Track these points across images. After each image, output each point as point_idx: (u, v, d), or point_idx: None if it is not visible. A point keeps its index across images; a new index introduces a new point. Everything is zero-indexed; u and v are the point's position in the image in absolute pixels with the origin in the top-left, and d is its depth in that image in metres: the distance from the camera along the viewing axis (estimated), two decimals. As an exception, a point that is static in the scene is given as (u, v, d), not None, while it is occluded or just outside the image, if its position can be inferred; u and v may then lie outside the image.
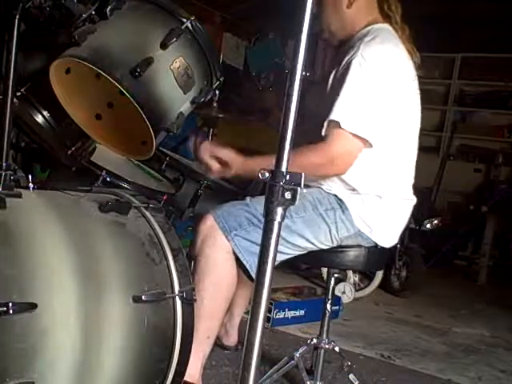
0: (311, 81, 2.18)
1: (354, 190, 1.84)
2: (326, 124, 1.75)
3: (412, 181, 1.95)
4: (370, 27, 1.87)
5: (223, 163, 1.88)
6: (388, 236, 1.90)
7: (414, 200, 1.94)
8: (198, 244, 1.80)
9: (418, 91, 1.91)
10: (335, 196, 1.85)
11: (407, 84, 1.85)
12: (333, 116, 1.73)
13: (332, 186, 1.85)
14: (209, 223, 1.78)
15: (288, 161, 1.06)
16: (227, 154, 1.87)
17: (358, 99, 1.73)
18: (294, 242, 1.80)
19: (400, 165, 1.90)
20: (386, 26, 1.89)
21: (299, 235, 1.80)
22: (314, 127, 1.83)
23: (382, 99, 1.77)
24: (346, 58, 1.78)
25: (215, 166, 1.89)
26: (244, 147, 2.11)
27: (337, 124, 1.73)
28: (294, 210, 1.77)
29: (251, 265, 1.74)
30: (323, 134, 1.76)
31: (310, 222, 1.81)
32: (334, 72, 1.84)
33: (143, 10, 1.50)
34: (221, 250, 1.76)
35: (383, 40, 1.81)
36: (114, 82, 1.39)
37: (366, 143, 1.76)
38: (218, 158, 1.88)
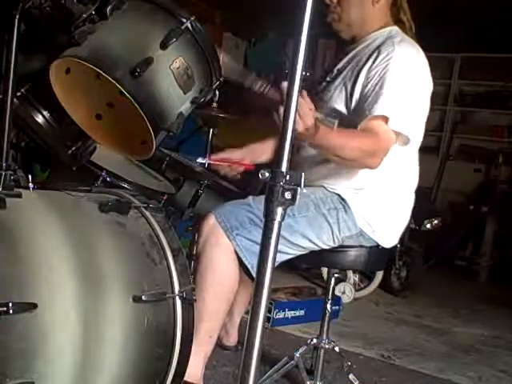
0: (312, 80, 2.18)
1: (358, 188, 1.84)
2: (366, 119, 1.74)
3: (416, 181, 1.95)
4: (389, 28, 1.90)
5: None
6: (390, 236, 1.91)
7: (413, 199, 1.95)
8: (199, 243, 1.80)
9: None
10: (338, 195, 1.85)
11: (429, 88, 1.88)
12: (379, 111, 1.72)
13: (336, 184, 1.85)
14: (211, 223, 1.78)
15: (288, 161, 1.06)
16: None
17: (401, 98, 1.75)
18: (296, 242, 1.80)
19: (407, 164, 1.91)
20: (399, 29, 1.92)
21: (302, 235, 1.80)
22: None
23: (417, 99, 1.81)
24: (381, 57, 1.79)
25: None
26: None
27: (384, 119, 1.72)
28: (297, 209, 1.77)
29: (253, 265, 1.74)
30: (362, 126, 1.75)
31: (313, 221, 1.81)
32: (359, 69, 1.84)
33: (143, 10, 1.50)
34: (223, 249, 1.76)
35: (412, 43, 1.86)
36: (114, 81, 1.39)
37: (403, 141, 1.78)
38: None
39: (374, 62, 1.80)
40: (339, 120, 1.87)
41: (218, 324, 1.83)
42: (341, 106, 1.86)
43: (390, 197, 1.87)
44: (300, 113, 1.50)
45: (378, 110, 1.73)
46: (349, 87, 1.86)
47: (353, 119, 1.80)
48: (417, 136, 1.83)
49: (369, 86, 1.79)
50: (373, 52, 1.83)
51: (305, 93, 1.56)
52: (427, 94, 1.87)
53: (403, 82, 1.77)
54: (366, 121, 1.75)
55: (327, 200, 1.84)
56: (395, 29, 1.90)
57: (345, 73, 1.91)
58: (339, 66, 1.98)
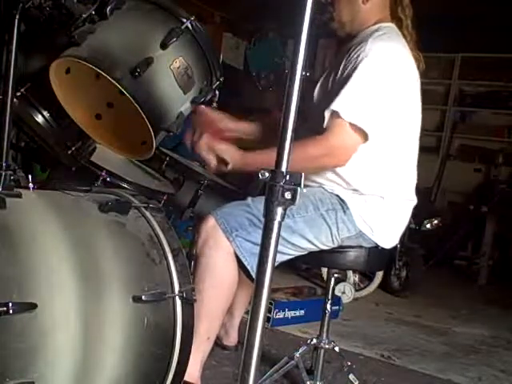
0: (310, 79, 2.18)
1: (356, 190, 1.84)
2: (327, 115, 1.75)
3: (415, 181, 1.95)
4: (378, 25, 1.88)
5: (221, 158, 1.87)
6: (389, 237, 1.90)
7: (414, 200, 1.95)
8: (199, 244, 1.80)
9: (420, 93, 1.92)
10: (337, 196, 1.85)
11: (411, 83, 1.86)
12: (333, 106, 1.73)
13: (334, 186, 1.85)
14: (210, 224, 1.78)
15: (288, 161, 1.06)
16: (225, 148, 1.87)
17: (361, 92, 1.74)
18: (294, 243, 1.80)
19: (403, 165, 1.91)
20: (393, 25, 1.90)
21: (300, 235, 1.80)
22: (312, 123, 1.83)
23: (386, 95, 1.77)
24: (354, 53, 1.78)
25: (212, 161, 1.89)
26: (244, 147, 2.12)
27: (336, 114, 1.72)
28: (296, 209, 1.77)
29: (252, 266, 1.74)
30: (325, 125, 1.76)
31: (312, 222, 1.80)
32: (341, 66, 1.83)
33: (143, 9, 1.50)
34: (222, 250, 1.76)
35: (391, 38, 1.83)
36: (114, 81, 1.39)
37: (365, 136, 1.75)
38: (215, 152, 1.88)
39: (348, 58, 1.80)
40: (319, 119, 1.86)
41: (216, 325, 1.83)
42: (321, 106, 1.87)
43: (389, 198, 1.86)
44: (203, 155, 1.83)
45: (334, 104, 1.73)
46: (329, 86, 1.87)
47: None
48: (384, 134, 1.79)
49: (340, 80, 1.80)
50: (350, 50, 1.82)
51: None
52: (402, 90, 1.82)
53: (366, 78, 1.74)
54: (327, 117, 1.75)
55: (326, 201, 1.84)
56: (384, 25, 1.87)
57: (329, 72, 1.91)
58: (331, 65, 1.98)
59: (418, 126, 1.92)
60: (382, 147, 1.82)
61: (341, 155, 1.76)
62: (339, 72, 1.83)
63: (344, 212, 1.83)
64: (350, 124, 1.72)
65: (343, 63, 1.82)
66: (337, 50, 2.15)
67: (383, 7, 1.93)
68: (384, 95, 1.77)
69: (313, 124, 1.86)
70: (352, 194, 1.84)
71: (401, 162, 1.89)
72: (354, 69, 1.75)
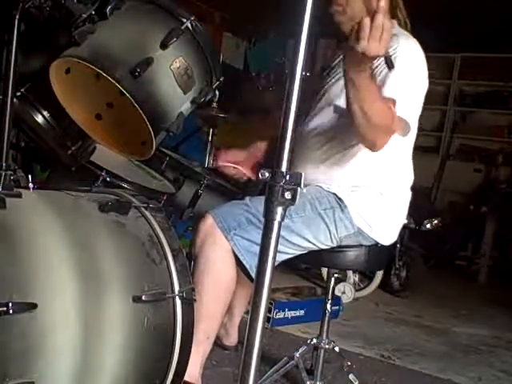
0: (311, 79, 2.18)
1: (355, 186, 1.84)
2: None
3: (412, 176, 1.95)
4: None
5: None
6: (388, 233, 1.90)
7: (409, 195, 1.95)
8: (197, 244, 1.80)
9: None
10: (334, 195, 1.85)
11: (426, 82, 1.87)
12: (388, 93, 1.70)
13: (332, 183, 1.85)
14: (208, 223, 1.78)
15: (288, 161, 1.06)
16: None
17: (406, 89, 1.74)
18: (294, 242, 1.80)
19: (400, 160, 1.91)
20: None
21: (299, 235, 1.80)
22: (321, 119, 1.87)
23: (418, 93, 1.81)
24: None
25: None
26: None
27: (392, 101, 1.69)
28: (294, 209, 1.76)
29: (251, 265, 1.74)
30: None
31: (310, 221, 1.81)
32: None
33: (143, 9, 1.50)
34: (220, 249, 1.76)
35: (411, 37, 1.85)
36: (114, 81, 1.39)
37: (404, 131, 1.77)
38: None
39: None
40: (338, 113, 1.86)
41: (215, 324, 1.83)
42: (339, 100, 1.86)
43: (386, 194, 1.86)
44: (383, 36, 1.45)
45: (387, 91, 1.71)
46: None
47: None
48: (414, 128, 1.82)
49: (374, 71, 1.77)
50: None
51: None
52: (424, 89, 1.86)
53: (408, 75, 1.76)
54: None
55: (323, 200, 1.84)
56: (394, 21, 1.87)
57: (341, 67, 1.91)
58: (335, 62, 1.98)
59: (416, 121, 1.93)
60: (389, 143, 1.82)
61: (386, 141, 1.71)
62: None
63: (342, 210, 1.83)
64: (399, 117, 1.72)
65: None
66: (336, 49, 2.14)
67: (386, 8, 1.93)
68: (417, 92, 1.80)
69: (322, 119, 1.87)
70: (350, 191, 1.84)
71: (399, 156, 1.89)
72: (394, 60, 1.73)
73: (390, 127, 1.70)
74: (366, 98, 1.61)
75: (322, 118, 1.92)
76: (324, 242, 1.83)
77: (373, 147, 1.73)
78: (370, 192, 1.85)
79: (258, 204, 1.77)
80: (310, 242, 1.82)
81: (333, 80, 1.93)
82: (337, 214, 1.83)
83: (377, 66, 1.77)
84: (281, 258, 1.80)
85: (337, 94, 1.87)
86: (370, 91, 1.60)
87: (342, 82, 1.85)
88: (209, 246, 1.77)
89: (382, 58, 1.63)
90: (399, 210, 1.93)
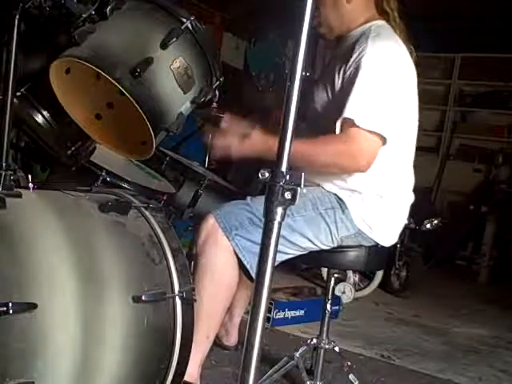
0: (310, 79, 2.18)
1: (354, 189, 1.84)
2: (339, 123, 1.74)
3: (412, 179, 1.95)
4: (369, 24, 1.87)
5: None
6: (389, 235, 1.90)
7: (412, 198, 1.95)
8: (199, 243, 1.80)
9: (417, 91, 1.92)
10: (335, 195, 1.85)
11: (411, 82, 1.86)
12: (347, 114, 1.72)
13: (333, 185, 1.86)
14: (210, 223, 1.78)
15: (288, 160, 1.06)
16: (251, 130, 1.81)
17: (371, 96, 1.73)
18: (295, 242, 1.80)
19: (400, 164, 1.91)
20: (385, 23, 1.89)
21: (300, 234, 1.80)
22: (312, 123, 1.84)
23: (392, 96, 1.77)
24: (353, 55, 1.78)
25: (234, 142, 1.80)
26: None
27: (351, 122, 1.71)
28: (295, 208, 1.77)
29: (252, 265, 1.74)
30: (337, 132, 1.75)
31: (311, 221, 1.81)
32: (341, 70, 1.83)
33: (143, 9, 1.50)
34: (222, 249, 1.76)
35: (388, 37, 1.83)
36: (114, 81, 1.39)
37: (383, 139, 1.75)
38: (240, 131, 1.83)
39: (347, 62, 1.79)
40: (322, 122, 1.86)
41: (215, 324, 1.83)
42: (322, 108, 1.87)
43: (386, 197, 1.86)
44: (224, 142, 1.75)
45: (346, 112, 1.72)
46: (328, 88, 1.86)
47: (332, 119, 1.78)
48: (396, 133, 1.79)
49: (344, 86, 1.79)
50: (348, 51, 1.82)
51: (227, 117, 1.85)
52: (408, 89, 1.83)
53: (374, 80, 1.74)
54: (340, 124, 1.74)
55: (325, 199, 1.84)
56: (375, 24, 1.87)
57: (326, 74, 1.91)
58: (325, 66, 1.99)
59: (416, 124, 1.92)
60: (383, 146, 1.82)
61: (365, 161, 1.74)
62: (340, 75, 1.82)
63: (342, 211, 1.83)
64: (368, 131, 1.72)
65: (343, 67, 1.81)
66: (331, 50, 2.14)
67: (369, 5, 1.92)
68: (391, 96, 1.77)
69: (313, 124, 1.86)
70: (350, 193, 1.84)
71: (399, 160, 1.89)
72: (357, 72, 1.74)
73: (353, 152, 1.73)
74: (306, 157, 1.70)
75: (315, 123, 1.92)
76: (324, 241, 1.83)
77: (359, 171, 1.78)
78: (369, 195, 1.84)
79: (259, 204, 1.77)
80: (310, 241, 1.82)
81: (319, 86, 1.93)
82: (338, 214, 1.83)
83: (341, 87, 1.79)
84: (281, 258, 1.80)
85: (322, 101, 1.88)
86: (300, 152, 1.63)
87: (325, 89, 1.86)
88: (210, 246, 1.77)
89: (350, 71, 1.74)
90: (399, 213, 1.93)
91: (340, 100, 1.76)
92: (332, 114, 1.78)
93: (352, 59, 1.78)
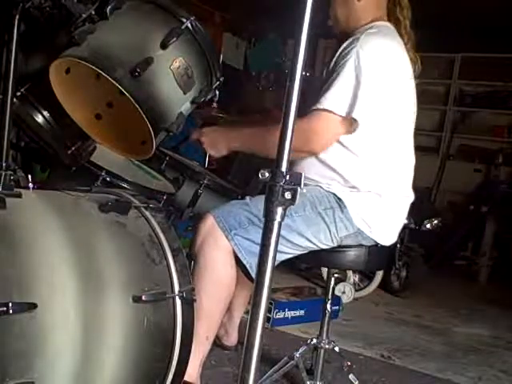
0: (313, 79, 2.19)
1: (354, 187, 1.84)
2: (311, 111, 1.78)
3: (411, 178, 1.95)
4: (373, 23, 1.88)
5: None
6: (388, 234, 1.90)
7: (411, 197, 1.95)
8: (197, 243, 1.80)
9: (415, 91, 1.92)
10: (334, 195, 1.85)
11: (404, 81, 1.86)
12: (320, 105, 1.76)
13: (331, 184, 1.86)
14: (209, 223, 1.78)
15: (288, 161, 1.06)
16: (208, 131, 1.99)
17: (344, 83, 1.75)
18: (294, 241, 1.80)
19: (399, 162, 1.91)
20: (389, 24, 1.90)
21: (299, 234, 1.80)
22: None
23: (374, 87, 1.77)
24: (345, 49, 1.79)
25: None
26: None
27: (323, 109, 1.76)
28: (294, 208, 1.76)
29: (251, 264, 1.74)
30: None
31: (310, 220, 1.81)
32: (332, 64, 1.85)
33: (143, 9, 1.50)
34: (221, 249, 1.76)
35: (385, 35, 1.83)
36: (114, 81, 1.39)
37: (348, 121, 1.77)
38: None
39: (338, 56, 1.81)
40: None
41: (215, 324, 1.83)
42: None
43: (385, 196, 1.86)
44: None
45: (321, 103, 1.76)
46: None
47: None
48: (377, 129, 1.81)
49: (326, 81, 1.81)
50: (342, 47, 1.83)
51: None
52: (394, 83, 1.82)
53: (353, 73, 1.75)
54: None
55: (323, 199, 1.84)
56: (379, 24, 1.87)
57: (329, 70, 1.92)
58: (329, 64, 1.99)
59: (412, 124, 1.93)
60: (377, 144, 1.83)
61: (316, 140, 1.79)
62: (330, 69, 1.84)
63: (341, 210, 1.83)
64: (325, 110, 1.75)
65: (334, 60, 1.83)
66: (336, 50, 2.15)
67: (378, 6, 1.92)
68: (372, 87, 1.76)
69: None
70: (349, 192, 1.84)
71: (397, 159, 1.89)
72: (343, 65, 1.76)
73: (303, 136, 1.74)
74: (263, 146, 1.78)
75: None
76: (324, 241, 1.83)
77: (313, 151, 1.82)
78: (368, 194, 1.84)
79: (258, 204, 1.77)
80: (310, 241, 1.82)
81: (322, 83, 1.93)
82: (337, 213, 1.83)
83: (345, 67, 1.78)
84: (281, 258, 1.80)
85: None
86: (255, 142, 1.84)
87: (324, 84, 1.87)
88: (209, 246, 1.77)
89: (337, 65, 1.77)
90: (399, 212, 1.93)
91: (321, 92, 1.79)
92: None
93: (341, 53, 1.80)
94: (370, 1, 1.90)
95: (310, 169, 1.86)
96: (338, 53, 1.82)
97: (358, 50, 1.75)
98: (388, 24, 1.89)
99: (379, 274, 3.86)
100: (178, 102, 1.52)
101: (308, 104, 1.90)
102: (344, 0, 1.92)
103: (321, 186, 1.87)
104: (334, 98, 1.75)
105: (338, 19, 1.95)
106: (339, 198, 1.84)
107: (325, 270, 3.03)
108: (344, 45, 1.81)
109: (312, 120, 1.78)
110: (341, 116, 1.76)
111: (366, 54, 1.75)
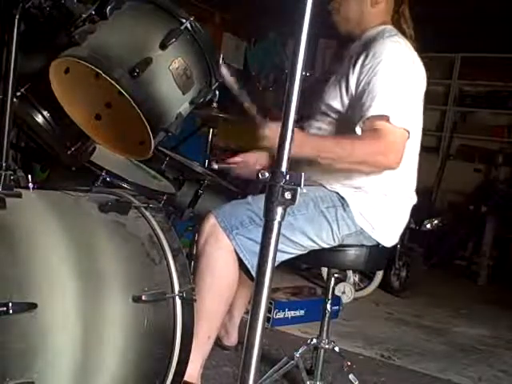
0: (318, 80, 2.19)
1: (359, 187, 1.84)
2: (364, 119, 1.75)
3: (415, 180, 1.95)
4: (383, 26, 1.90)
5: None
6: (390, 235, 1.90)
7: (414, 199, 1.95)
8: (200, 243, 1.80)
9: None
10: (337, 193, 1.85)
11: (422, 82, 1.88)
12: (375, 111, 1.73)
13: (335, 183, 1.86)
14: (211, 222, 1.78)
15: (288, 161, 1.06)
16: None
17: (398, 94, 1.76)
18: (296, 241, 1.80)
19: (406, 163, 1.91)
20: (395, 29, 1.92)
21: (301, 232, 1.80)
22: (321, 124, 1.88)
23: (412, 94, 1.81)
24: (369, 52, 1.80)
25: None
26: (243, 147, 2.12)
27: (385, 118, 1.73)
28: (296, 207, 1.76)
29: (252, 264, 1.74)
30: (360, 128, 1.77)
31: (312, 219, 1.81)
32: (352, 66, 1.84)
33: (143, 10, 1.50)
34: (222, 249, 1.76)
35: (401, 38, 1.86)
36: (113, 82, 1.39)
37: (408, 136, 1.78)
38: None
39: (365, 58, 1.80)
40: (336, 116, 1.88)
41: (216, 324, 1.83)
42: (335, 103, 1.87)
43: (389, 196, 1.87)
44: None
45: (377, 109, 1.73)
46: (343, 84, 1.86)
47: (349, 116, 1.81)
48: (415, 131, 1.83)
49: (363, 83, 1.79)
50: (364, 48, 1.84)
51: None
52: (420, 89, 1.86)
53: (396, 78, 1.77)
54: (367, 122, 1.75)
55: (326, 198, 1.84)
56: (390, 28, 1.90)
57: (339, 71, 1.92)
58: (335, 65, 1.99)
59: (421, 125, 1.93)
60: None
61: (396, 157, 1.76)
62: (355, 72, 1.82)
63: (344, 209, 1.83)
64: (398, 127, 1.74)
65: (359, 64, 1.82)
66: (337, 51, 2.15)
67: (387, 13, 1.96)
68: (410, 94, 1.80)
69: (322, 121, 1.89)
70: (354, 191, 1.84)
71: (406, 159, 1.89)
72: (375, 69, 1.76)
73: (385, 149, 1.74)
74: (339, 157, 1.75)
75: (324, 120, 1.92)
76: (326, 240, 1.84)
77: (390, 169, 1.80)
78: (373, 193, 1.85)
79: (260, 203, 1.75)
80: (311, 240, 1.82)
81: (330, 83, 1.93)
82: (339, 212, 1.83)
83: (360, 82, 1.79)
84: (282, 257, 1.80)
85: (334, 96, 1.88)
86: (333, 151, 1.75)
87: (337, 84, 1.87)
88: (211, 246, 1.77)
89: (369, 67, 1.76)
90: (402, 213, 1.93)
91: (361, 97, 1.77)
92: (351, 109, 1.81)
93: (370, 56, 1.79)
94: (381, 8, 1.94)
95: (312, 168, 1.86)
96: (359, 58, 1.82)
97: (384, 55, 1.77)
98: (394, 28, 1.92)
99: (379, 274, 3.87)
100: (177, 102, 1.52)
101: (314, 107, 1.90)
102: (359, 2, 1.93)
103: (324, 186, 1.87)
104: (398, 112, 1.74)
105: (349, 19, 1.95)
106: (342, 197, 1.84)
107: (325, 270, 3.03)
108: (365, 49, 1.82)
109: (387, 138, 1.74)
110: (407, 130, 1.76)
111: (393, 60, 1.78)
